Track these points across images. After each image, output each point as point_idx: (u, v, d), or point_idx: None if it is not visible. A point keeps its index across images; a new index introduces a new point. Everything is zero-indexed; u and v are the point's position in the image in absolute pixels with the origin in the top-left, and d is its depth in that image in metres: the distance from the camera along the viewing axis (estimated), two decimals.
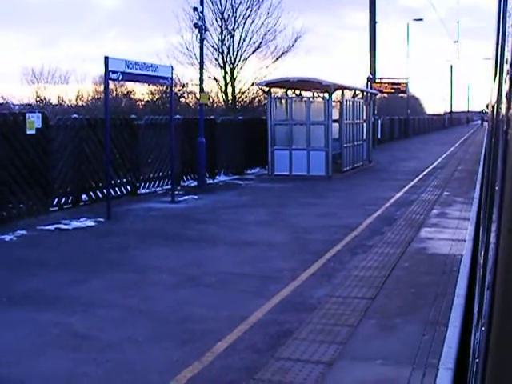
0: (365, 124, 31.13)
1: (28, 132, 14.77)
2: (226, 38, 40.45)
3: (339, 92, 26.73)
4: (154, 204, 17.82)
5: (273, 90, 27.05)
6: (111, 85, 31.72)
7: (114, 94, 37.07)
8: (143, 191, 20.03)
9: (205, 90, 24.24)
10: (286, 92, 28.89)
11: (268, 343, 6.90)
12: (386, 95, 61.54)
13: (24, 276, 9.89)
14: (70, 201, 16.67)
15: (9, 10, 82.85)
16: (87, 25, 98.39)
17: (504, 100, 1.79)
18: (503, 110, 1.81)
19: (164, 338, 7.11)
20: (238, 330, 7.34)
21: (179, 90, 38.96)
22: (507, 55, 1.81)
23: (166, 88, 28.71)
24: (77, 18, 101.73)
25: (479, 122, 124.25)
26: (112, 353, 6.69)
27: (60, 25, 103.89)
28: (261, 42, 41.36)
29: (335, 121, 26.21)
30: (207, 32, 23.96)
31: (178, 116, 22.80)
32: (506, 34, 2.04)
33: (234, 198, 19.33)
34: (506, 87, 1.72)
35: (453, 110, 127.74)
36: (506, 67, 1.78)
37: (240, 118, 29.20)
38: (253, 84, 40.03)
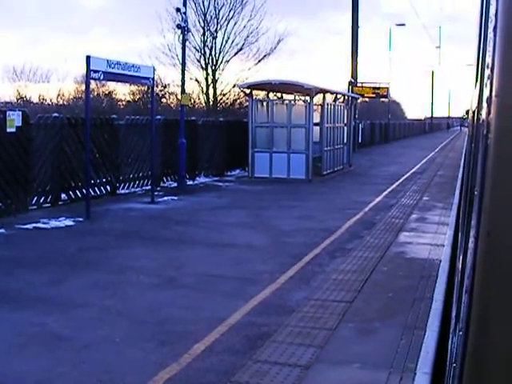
0: (346, 128, 31.21)
1: (8, 130, 14.68)
2: (209, 40, 40.46)
3: (321, 95, 26.79)
4: (133, 204, 17.75)
5: (254, 92, 27.06)
6: (93, 84, 31.58)
7: (96, 94, 36.91)
8: (123, 191, 19.97)
9: (186, 91, 24.18)
10: (268, 94, 28.91)
11: (246, 345, 6.89)
12: (367, 99, 61.75)
13: (1, 275, 9.81)
14: (49, 200, 16.59)
15: None
16: (70, 24, 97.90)
17: (485, 104, 1.79)
18: (484, 115, 1.81)
19: (142, 339, 7.08)
20: (217, 331, 7.32)
21: (161, 91, 38.88)
22: (488, 60, 1.81)
23: (148, 88, 28.61)
24: (59, 17, 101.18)
25: (459, 127, 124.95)
26: (89, 353, 6.65)
27: (43, 23, 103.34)
28: (243, 44, 41.42)
29: (316, 124, 26.26)
30: (190, 33, 23.93)
31: (159, 117, 22.74)
32: (488, 38, 2.05)
33: (214, 200, 19.30)
34: (486, 92, 1.73)
35: (433, 116, 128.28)
36: (487, 72, 1.79)
37: (221, 119, 29.19)
38: (234, 86, 40.00)
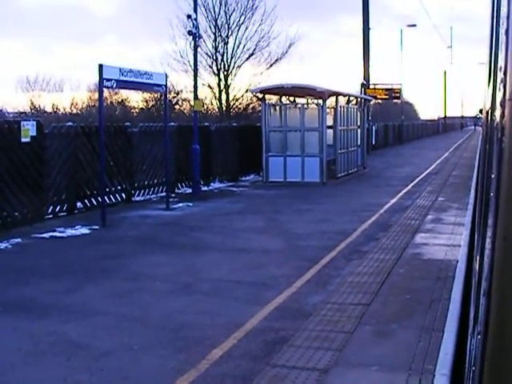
0: (359, 130, 31.15)
1: (23, 140, 14.75)
2: (220, 45, 40.55)
3: (333, 98, 26.75)
4: (148, 211, 17.79)
5: (267, 96, 27.07)
6: (106, 92, 31.70)
7: (109, 102, 37.05)
8: (138, 198, 20.02)
9: (199, 97, 24.23)
10: (281, 98, 28.90)
11: (264, 350, 6.88)
12: (380, 101, 61.56)
13: (18, 284, 9.86)
14: (64, 208, 16.66)
15: (4, 16, 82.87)
16: (82, 32, 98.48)
17: (498, 107, 1.79)
18: (497, 118, 1.80)
19: (159, 346, 7.09)
20: (234, 337, 7.32)
21: (173, 97, 38.98)
22: (501, 62, 1.81)
23: (161, 95, 28.72)
24: (72, 25, 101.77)
25: (473, 127, 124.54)
26: (107, 361, 6.67)
27: (55, 32, 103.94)
28: (254, 49, 41.49)
29: (329, 127, 26.22)
30: (201, 39, 23.99)
31: (172, 123, 22.79)
32: (500, 41, 2.04)
33: (229, 205, 19.31)
34: (499, 95, 1.73)
35: (447, 116, 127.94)
36: (500, 75, 1.78)
37: (234, 124, 29.21)
38: (247, 91, 40.08)
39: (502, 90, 1.64)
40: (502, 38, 1.80)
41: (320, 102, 26.02)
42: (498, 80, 1.90)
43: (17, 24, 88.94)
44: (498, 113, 1.79)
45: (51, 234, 13.98)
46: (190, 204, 19.27)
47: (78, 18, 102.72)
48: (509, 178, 1.56)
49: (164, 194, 19.57)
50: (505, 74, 1.60)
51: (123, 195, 19.27)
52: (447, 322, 7.32)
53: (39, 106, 36.90)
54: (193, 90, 23.47)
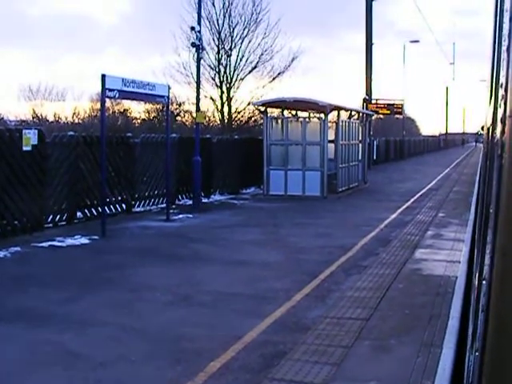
0: (360, 145, 31.16)
1: (24, 148, 14.77)
2: (223, 58, 40.60)
3: (335, 112, 26.79)
4: (148, 222, 17.79)
5: (269, 109, 27.12)
6: (108, 103, 31.75)
7: (111, 112, 37.11)
8: (138, 209, 20.02)
9: (201, 109, 24.24)
10: (282, 112, 28.95)
11: (262, 363, 6.86)
12: (381, 116, 61.71)
13: (17, 293, 9.85)
14: (64, 218, 16.65)
15: (7, 26, 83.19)
16: (86, 42, 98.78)
17: (499, 123, 1.79)
18: (498, 134, 1.81)
19: (157, 357, 7.07)
20: (232, 349, 7.30)
21: (176, 109, 39.02)
22: (502, 80, 1.82)
23: (163, 106, 28.76)
24: (75, 35, 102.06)
25: (474, 143, 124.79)
26: (104, 371, 6.65)
27: (58, 42, 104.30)
28: (257, 62, 41.51)
29: (331, 141, 26.24)
30: (204, 51, 24.06)
31: (174, 135, 22.82)
32: (501, 58, 2.05)
33: (229, 218, 19.30)
34: (500, 111, 1.73)
35: (448, 132, 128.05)
36: (501, 91, 1.79)
37: (236, 137, 29.25)
38: (249, 103, 40.12)
39: (502, 106, 1.65)
40: (504, 55, 1.81)
41: (322, 116, 26.07)
42: (499, 97, 1.91)
43: (20, 33, 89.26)
44: (498, 129, 1.80)
45: (50, 243, 13.98)
46: (191, 216, 19.28)
47: (81, 28, 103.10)
48: (508, 195, 1.56)
49: (164, 205, 19.57)
50: (505, 90, 1.61)
51: (124, 206, 19.28)
52: (446, 337, 7.30)
53: (41, 115, 36.97)
54: (195, 101, 23.47)
